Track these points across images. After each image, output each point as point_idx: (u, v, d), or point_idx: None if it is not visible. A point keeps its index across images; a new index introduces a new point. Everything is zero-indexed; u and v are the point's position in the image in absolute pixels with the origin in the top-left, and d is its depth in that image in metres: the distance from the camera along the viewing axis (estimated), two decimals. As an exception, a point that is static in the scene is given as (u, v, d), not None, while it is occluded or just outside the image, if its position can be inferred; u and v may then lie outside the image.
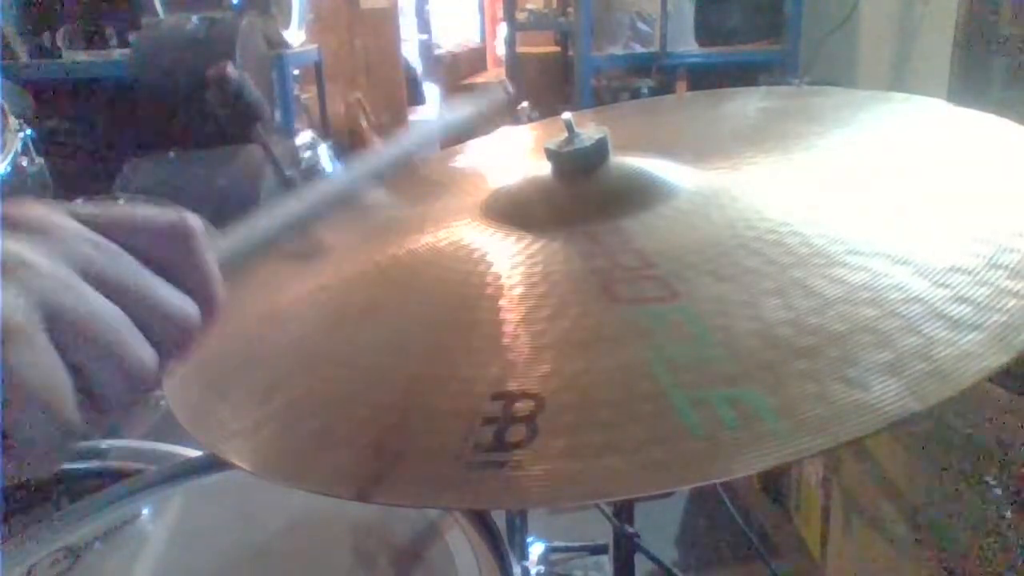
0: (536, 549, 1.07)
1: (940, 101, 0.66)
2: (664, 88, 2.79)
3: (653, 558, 0.98)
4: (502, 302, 0.50)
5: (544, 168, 0.61)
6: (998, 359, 0.37)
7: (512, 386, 0.42)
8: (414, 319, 0.53)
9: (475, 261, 0.56)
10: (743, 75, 2.60)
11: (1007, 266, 0.43)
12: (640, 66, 2.84)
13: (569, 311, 0.48)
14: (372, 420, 0.45)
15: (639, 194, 0.57)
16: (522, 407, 0.41)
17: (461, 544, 0.59)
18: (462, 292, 0.53)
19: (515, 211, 0.60)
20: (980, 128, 0.61)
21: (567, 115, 0.60)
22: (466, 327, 0.49)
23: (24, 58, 2.60)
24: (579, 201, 0.58)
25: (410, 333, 0.51)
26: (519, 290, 0.50)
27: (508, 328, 0.47)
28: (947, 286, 0.43)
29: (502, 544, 0.59)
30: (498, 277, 0.53)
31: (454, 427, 0.41)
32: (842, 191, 0.57)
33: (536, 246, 0.55)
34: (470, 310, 0.51)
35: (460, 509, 0.61)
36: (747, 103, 0.80)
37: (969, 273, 0.43)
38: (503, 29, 3.64)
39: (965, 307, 0.41)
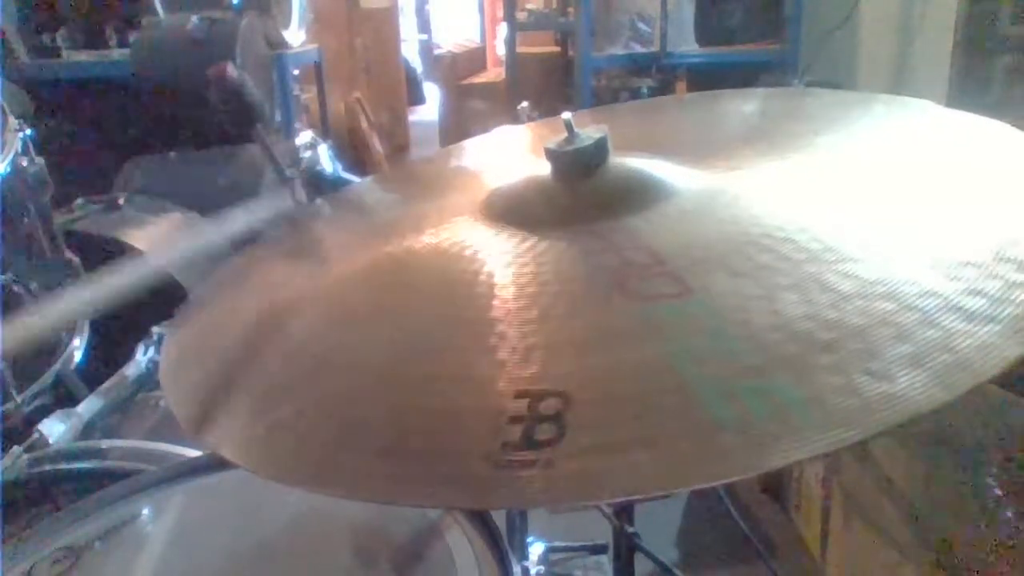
0: (536, 549, 1.07)
1: (928, 102, 0.66)
2: (664, 88, 2.79)
3: (653, 558, 0.98)
4: (515, 301, 0.50)
5: (545, 168, 0.61)
6: (1017, 349, 0.38)
7: (535, 384, 0.42)
8: (423, 319, 0.53)
9: (481, 261, 0.56)
10: (743, 75, 2.59)
11: (1015, 259, 0.44)
12: (640, 66, 2.83)
13: (584, 308, 0.48)
14: (391, 421, 0.44)
15: (641, 193, 0.58)
16: (549, 405, 0.40)
17: (461, 544, 0.59)
18: (471, 292, 0.53)
19: (517, 211, 0.60)
20: (971, 128, 0.61)
21: (567, 115, 0.60)
22: (479, 326, 0.49)
23: (24, 58, 2.59)
24: (582, 200, 0.58)
25: (421, 333, 0.51)
26: (531, 289, 0.50)
27: (524, 326, 0.47)
28: (960, 280, 0.43)
29: (502, 544, 0.59)
30: (508, 276, 0.52)
31: (479, 426, 0.41)
32: (843, 190, 0.57)
33: (543, 245, 0.55)
34: (482, 309, 0.50)
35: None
36: (745, 105, 0.81)
37: (979, 267, 0.44)
38: (503, 29, 3.64)
39: (980, 300, 0.41)
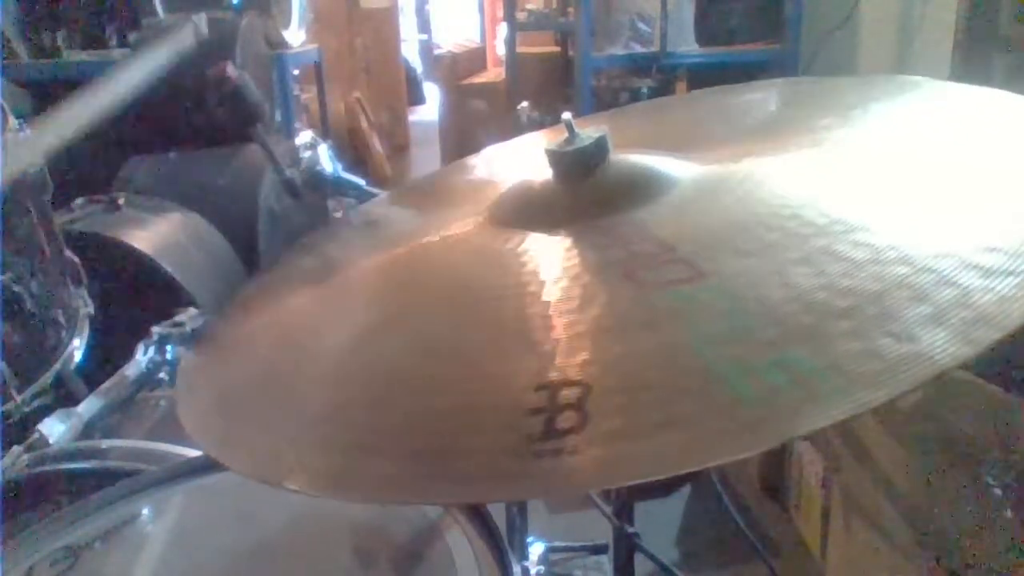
0: (536, 549, 1.07)
1: (923, 78, 0.66)
2: (664, 88, 2.79)
3: (653, 558, 0.98)
4: (525, 299, 0.50)
5: (543, 170, 0.61)
6: None
7: (553, 376, 0.43)
8: (434, 323, 0.53)
9: (489, 263, 0.56)
10: (743, 75, 2.58)
11: None
12: (640, 66, 2.83)
13: (596, 301, 0.48)
14: (411, 424, 0.45)
15: (643, 187, 0.58)
16: (568, 394, 0.41)
17: (461, 544, 0.59)
18: (481, 293, 0.53)
19: (523, 213, 0.61)
20: (970, 98, 0.62)
21: (567, 115, 0.60)
22: (491, 325, 0.50)
23: (24, 58, 2.59)
24: (585, 199, 0.59)
25: (433, 336, 0.51)
26: (541, 286, 0.51)
27: (537, 322, 0.48)
28: (974, 238, 0.43)
29: (502, 544, 0.59)
30: (517, 276, 0.53)
31: (499, 421, 0.41)
32: (847, 165, 0.57)
33: (548, 244, 0.55)
34: (493, 309, 0.51)
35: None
36: (747, 96, 0.81)
37: (993, 226, 0.44)
38: (503, 29, 3.64)
39: (997, 255, 0.41)
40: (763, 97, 0.80)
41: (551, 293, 0.50)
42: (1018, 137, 0.54)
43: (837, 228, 0.47)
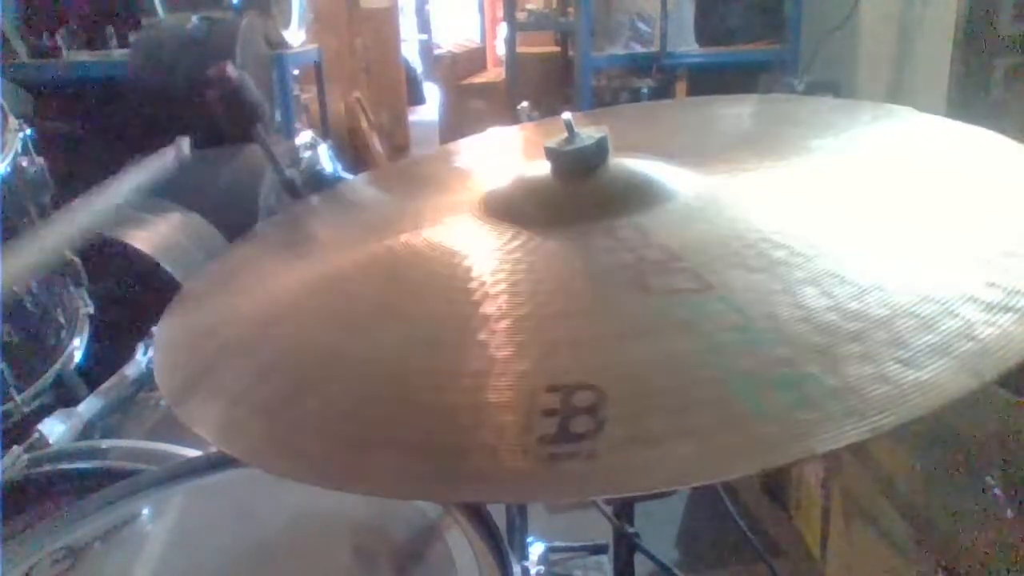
0: (536, 549, 1.07)
1: (909, 108, 0.67)
2: (664, 88, 2.79)
3: (653, 558, 0.98)
4: (537, 297, 0.50)
5: (541, 167, 0.61)
6: None
7: (566, 378, 0.42)
8: (435, 317, 0.52)
9: (493, 259, 0.55)
10: (743, 75, 2.59)
11: (1021, 254, 0.44)
12: (640, 66, 2.83)
13: (607, 303, 0.48)
14: (416, 418, 0.44)
15: (643, 193, 0.58)
16: (582, 398, 0.40)
17: (461, 544, 0.59)
18: (484, 290, 0.52)
19: (520, 210, 0.60)
20: (955, 133, 0.63)
21: (567, 115, 0.60)
22: (497, 323, 0.49)
23: (24, 58, 2.59)
24: (585, 200, 0.58)
25: (435, 331, 0.51)
26: (551, 284, 0.50)
27: (546, 322, 0.47)
28: (972, 273, 0.44)
29: (502, 544, 0.59)
30: (524, 273, 0.52)
31: (511, 421, 0.41)
32: (843, 193, 0.57)
33: (553, 243, 0.55)
34: (498, 306, 0.50)
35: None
36: (740, 110, 0.81)
37: (988, 262, 0.44)
38: (503, 29, 3.64)
39: (995, 291, 0.42)
40: (751, 112, 0.80)
41: (559, 294, 0.49)
42: (1002, 176, 0.55)
43: (839, 250, 0.48)
